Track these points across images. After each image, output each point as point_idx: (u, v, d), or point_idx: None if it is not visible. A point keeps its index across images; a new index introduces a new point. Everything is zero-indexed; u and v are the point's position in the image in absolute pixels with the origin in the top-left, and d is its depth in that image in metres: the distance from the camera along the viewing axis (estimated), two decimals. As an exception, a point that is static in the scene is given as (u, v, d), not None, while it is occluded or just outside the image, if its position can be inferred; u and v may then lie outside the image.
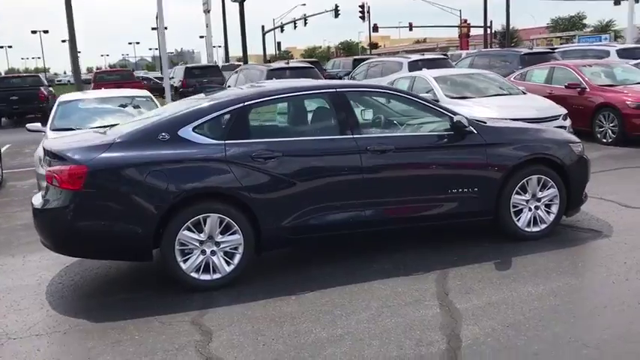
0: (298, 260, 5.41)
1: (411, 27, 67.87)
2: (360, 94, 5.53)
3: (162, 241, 4.74)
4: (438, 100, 9.90)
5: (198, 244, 4.83)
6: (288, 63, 17.42)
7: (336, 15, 48.54)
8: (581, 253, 5.42)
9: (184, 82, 24.83)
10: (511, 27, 78.21)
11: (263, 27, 62.74)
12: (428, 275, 4.98)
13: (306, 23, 55.87)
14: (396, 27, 72.05)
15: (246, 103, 5.11)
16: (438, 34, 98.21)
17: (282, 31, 59.82)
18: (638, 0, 53.54)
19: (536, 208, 5.72)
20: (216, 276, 4.90)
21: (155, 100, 9.55)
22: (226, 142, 4.94)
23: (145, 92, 10.10)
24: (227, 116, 5.04)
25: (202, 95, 5.74)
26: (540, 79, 12.86)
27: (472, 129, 5.47)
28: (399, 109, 5.75)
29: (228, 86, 16.52)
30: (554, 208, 5.78)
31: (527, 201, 5.68)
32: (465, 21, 68.32)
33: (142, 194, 4.70)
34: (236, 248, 4.93)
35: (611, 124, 11.01)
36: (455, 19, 67.65)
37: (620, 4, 52.78)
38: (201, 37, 73.51)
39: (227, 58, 50.34)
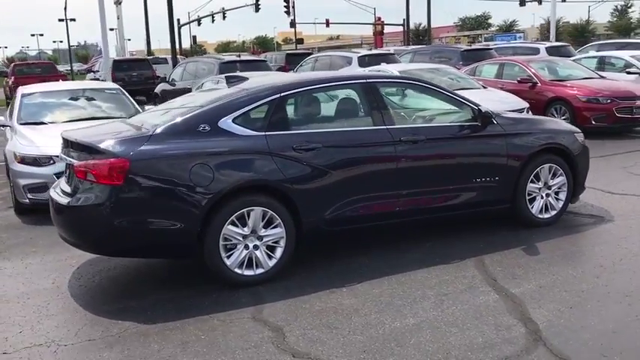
0: (328, 253, 5.35)
1: (327, 23, 68.47)
2: (389, 85, 5.54)
3: (206, 237, 4.55)
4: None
5: (241, 239, 4.69)
6: (239, 56, 17.13)
7: (257, 9, 48.13)
8: (595, 236, 5.69)
9: (113, 76, 23.79)
10: (423, 25, 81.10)
11: (179, 20, 61.37)
12: (465, 263, 5.08)
13: (224, 17, 55.10)
14: (313, 23, 72.47)
15: (283, 94, 4.99)
16: (352, 32, 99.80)
17: (199, 24, 58.63)
18: (541, 2, 56.88)
19: (547, 195, 5.97)
20: (259, 271, 4.77)
21: (125, 92, 9.12)
22: (267, 133, 4.82)
23: (113, 85, 9.63)
24: (265, 107, 4.91)
25: (224, 85, 5.56)
26: (490, 74, 13.38)
27: (494, 119, 5.63)
28: (421, 100, 5.81)
29: (173, 79, 16.04)
30: (562, 196, 6.06)
31: (539, 189, 5.91)
32: (379, 19, 69.74)
33: (186, 188, 4.50)
34: (277, 242, 4.82)
35: (562, 117, 11.63)
36: (369, 16, 68.78)
37: (525, 5, 55.85)
38: (112, 29, 70.90)
39: (149, 50, 48.79)
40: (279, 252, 4.82)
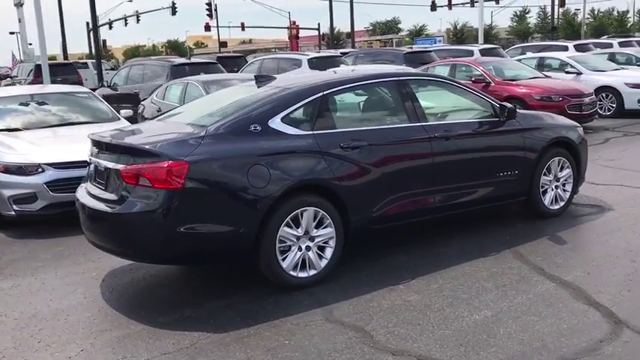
0: (366, 253, 5.31)
1: (243, 27, 68.10)
2: (419, 83, 5.58)
3: (263, 239, 4.42)
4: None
5: (295, 240, 4.59)
6: (189, 58, 16.65)
7: (174, 12, 47.01)
8: (606, 224, 5.95)
9: (36, 81, 22.51)
10: (337, 29, 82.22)
11: (88, 23, 58.84)
12: (503, 255, 5.20)
13: (138, 20, 53.50)
14: (228, 26, 71.56)
15: (326, 92, 4.93)
16: (265, 36, 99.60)
17: (110, 27, 56.58)
18: (451, 7, 58.93)
19: (556, 187, 6.24)
20: (312, 272, 4.69)
21: (97, 96, 8.67)
22: (314, 132, 4.74)
23: (84, 88, 9.14)
24: (311, 106, 4.83)
25: (251, 83, 5.42)
26: (444, 75, 13.76)
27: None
28: (444, 97, 5.89)
29: (115, 84, 15.40)
30: (569, 187, 6.34)
31: (550, 181, 6.16)
32: (294, 23, 70.06)
33: (244, 190, 4.35)
34: (327, 242, 4.75)
35: (517, 115, 12.16)
36: (284, 20, 68.97)
37: (436, 9, 57.93)
38: (12, 33, 66.95)
39: (65, 55, 46.46)
40: (328, 252, 4.76)
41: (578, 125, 6.62)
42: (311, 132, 4.72)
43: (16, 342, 4.04)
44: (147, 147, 4.29)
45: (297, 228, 4.57)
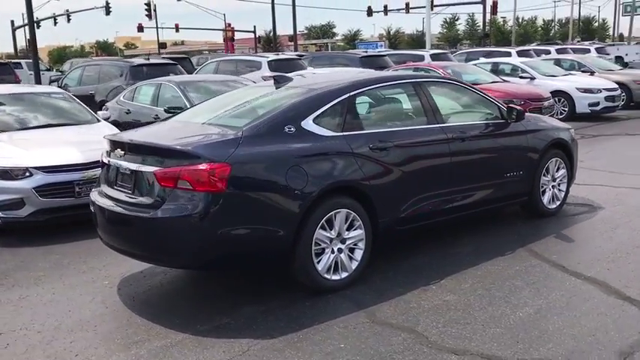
0: (386, 256, 5.30)
1: (177, 28, 66.97)
2: (435, 84, 5.63)
3: (300, 242, 4.34)
4: None
5: (329, 243, 4.53)
6: (148, 59, 16.14)
7: (108, 12, 45.63)
8: (603, 222, 6.16)
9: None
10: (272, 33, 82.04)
11: (13, 22, 56.43)
12: (519, 254, 5.31)
13: (69, 19, 51.63)
14: (161, 27, 70.01)
15: (352, 93, 4.90)
16: (198, 38, 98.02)
17: (38, 27, 54.25)
18: (387, 12, 59.82)
19: (553, 187, 6.45)
20: (344, 274, 4.64)
21: (73, 97, 8.29)
22: (344, 133, 4.71)
23: (58, 89, 8.72)
24: (339, 107, 4.79)
25: (265, 84, 5.32)
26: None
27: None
28: (455, 98, 5.97)
29: (67, 84, 14.77)
30: (563, 187, 6.57)
31: (548, 181, 6.36)
32: (230, 25, 69.45)
33: (283, 192, 4.27)
34: (356, 244, 4.72)
35: (481, 118, 12.50)
36: (218, 22, 68.08)
37: (372, 15, 58.85)
38: None
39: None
40: (358, 254, 4.73)
41: (570, 127, 6.87)
42: (341, 133, 4.68)
43: (49, 356, 3.80)
44: (186, 148, 4.13)
45: (331, 230, 4.52)
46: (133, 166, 4.36)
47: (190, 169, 4.01)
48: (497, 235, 5.88)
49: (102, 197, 4.68)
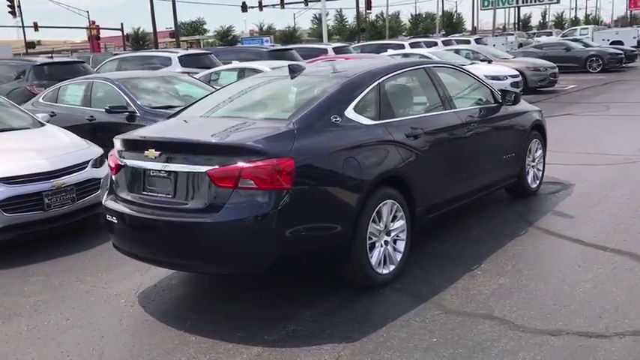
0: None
1: (36, 27, 62.31)
2: (439, 70, 5.55)
3: (356, 236, 4.12)
4: None
5: (378, 236, 4.35)
6: (52, 57, 14.68)
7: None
8: (586, 198, 6.42)
9: None
10: (141, 30, 78.82)
11: None
12: (533, 233, 5.45)
13: None
14: (17, 26, 64.46)
15: (381, 80, 4.72)
16: (58, 37, 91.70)
17: None
18: (262, 8, 59.50)
19: (533, 167, 6.68)
20: (391, 267, 4.48)
21: (8, 100, 7.36)
22: (382, 121, 4.54)
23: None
24: (372, 94, 4.60)
25: (279, 74, 5.00)
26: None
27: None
28: (456, 84, 5.95)
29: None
30: (541, 166, 6.83)
31: (530, 161, 6.58)
32: (94, 23, 65.81)
33: (342, 185, 4.04)
34: (398, 235, 4.58)
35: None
36: (82, 20, 64.09)
37: (247, 10, 58.35)
38: None
39: None
40: (401, 245, 4.59)
41: (540, 109, 7.15)
42: (379, 121, 4.51)
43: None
44: (246, 143, 3.74)
45: (379, 222, 4.34)
46: (173, 168, 3.90)
47: (254, 166, 3.64)
48: (498, 217, 5.98)
49: (124, 204, 4.16)
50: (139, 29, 77.21)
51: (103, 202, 4.40)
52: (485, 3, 62.29)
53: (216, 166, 3.71)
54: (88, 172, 6.08)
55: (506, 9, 65.55)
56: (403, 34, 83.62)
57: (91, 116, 8.71)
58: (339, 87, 4.47)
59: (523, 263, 4.74)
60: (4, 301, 4.60)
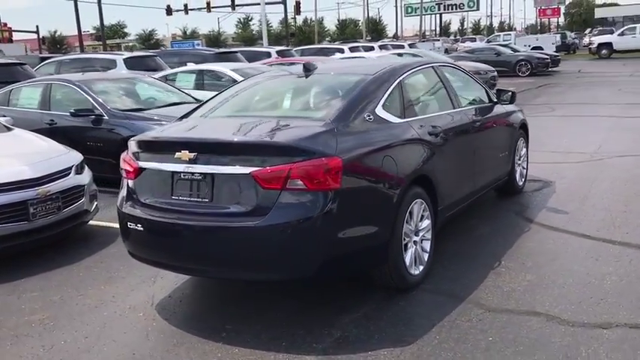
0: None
1: (-59, 29, 58.63)
2: (443, 69, 5.54)
3: (393, 238, 4.02)
4: None
5: (410, 236, 4.28)
6: None
7: None
8: (569, 193, 6.66)
9: None
10: (59, 33, 75.60)
11: None
12: (538, 230, 5.52)
13: None
14: None
15: (401, 77, 4.64)
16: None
17: None
18: (187, 12, 58.36)
19: (519, 165, 6.81)
20: (420, 268, 4.42)
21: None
22: (407, 119, 4.47)
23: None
24: (396, 91, 4.52)
25: (291, 71, 4.84)
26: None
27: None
28: (456, 83, 5.94)
29: None
30: (525, 164, 6.98)
31: (517, 160, 6.70)
32: (6, 24, 62.52)
33: (382, 185, 3.95)
34: (424, 235, 4.52)
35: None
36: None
37: (172, 14, 57.12)
38: None
39: None
40: (427, 245, 4.52)
41: (521, 109, 7.30)
42: (405, 119, 4.44)
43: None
44: (295, 143, 3.56)
45: (411, 222, 4.27)
46: (210, 170, 3.66)
47: (303, 165, 3.47)
48: (496, 215, 6.04)
49: (149, 210, 3.87)
50: (55, 32, 73.93)
51: (120, 208, 4.09)
52: (409, 10, 64.05)
53: (262, 167, 3.51)
54: (72, 179, 5.67)
55: (427, 16, 67.30)
56: (327, 39, 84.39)
57: (52, 120, 8.19)
58: (366, 84, 4.36)
59: (541, 259, 4.78)
60: (4, 321, 4.19)
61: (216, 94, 4.97)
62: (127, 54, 14.95)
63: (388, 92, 4.41)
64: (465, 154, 5.20)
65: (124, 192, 4.15)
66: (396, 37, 71.19)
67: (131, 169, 4.06)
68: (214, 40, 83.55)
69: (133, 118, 7.68)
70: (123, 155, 4.23)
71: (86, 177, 5.92)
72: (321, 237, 3.55)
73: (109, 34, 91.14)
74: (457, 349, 3.48)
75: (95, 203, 6.04)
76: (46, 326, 4.07)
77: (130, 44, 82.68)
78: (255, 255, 3.58)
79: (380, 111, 4.22)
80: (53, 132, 7.97)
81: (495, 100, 6.07)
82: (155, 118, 7.57)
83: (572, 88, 19.71)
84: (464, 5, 60.94)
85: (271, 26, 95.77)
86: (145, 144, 4.01)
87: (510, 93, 6.08)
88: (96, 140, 7.75)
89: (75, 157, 5.99)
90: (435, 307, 4.03)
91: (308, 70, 4.77)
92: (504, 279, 4.44)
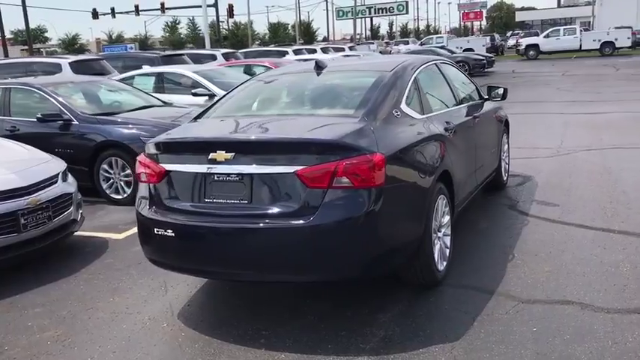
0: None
1: None
2: (443, 66, 5.57)
3: (425, 234, 4.00)
4: (213, 95, 9.73)
5: (436, 232, 4.27)
6: None
7: None
8: (551, 186, 6.85)
9: None
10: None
11: None
12: (537, 222, 5.64)
13: None
14: None
15: (415, 73, 4.63)
16: None
17: None
18: (114, 15, 56.63)
19: (502, 160, 6.94)
20: (444, 263, 4.42)
21: None
22: (426, 115, 4.47)
23: None
24: (413, 87, 4.50)
25: (302, 68, 4.74)
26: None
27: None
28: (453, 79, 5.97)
29: None
30: (507, 160, 7.15)
31: (502, 155, 6.84)
32: None
33: (416, 181, 3.92)
34: (445, 231, 4.52)
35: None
36: None
37: (98, 17, 55.37)
38: None
39: None
40: (447, 240, 4.53)
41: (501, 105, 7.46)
42: (424, 115, 4.43)
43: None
44: (341, 140, 3.47)
45: (437, 218, 4.26)
46: (249, 170, 3.51)
47: (350, 162, 3.39)
48: (491, 209, 6.14)
49: (179, 215, 3.69)
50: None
51: (143, 214, 3.87)
52: (341, 13, 64.74)
53: (306, 166, 3.41)
54: (60, 187, 5.35)
55: (357, 19, 68.11)
56: (257, 42, 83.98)
57: (13, 127, 7.72)
58: (388, 80, 4.31)
59: (551, 250, 4.88)
60: (15, 341, 3.89)
61: (226, 94, 4.81)
62: (73, 57, 14.30)
63: (408, 88, 4.39)
64: (469, 149, 5.25)
65: (144, 197, 3.93)
66: (327, 40, 71.71)
67: (153, 172, 3.85)
68: (142, 44, 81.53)
69: (106, 122, 7.34)
70: (139, 158, 4.01)
71: (72, 185, 5.60)
72: (369, 235, 3.48)
73: (30, 39, 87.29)
74: (506, 341, 3.49)
75: (80, 212, 5.73)
76: (64, 343, 3.81)
77: (51, 49, 79.47)
78: (301, 256, 3.47)
79: (404, 107, 4.19)
80: (15, 139, 7.51)
81: (486, 96, 6.16)
82: (131, 122, 7.27)
83: (514, 87, 20.32)
84: (393, 9, 62.29)
85: (199, 29, 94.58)
86: (168, 145, 3.82)
87: (502, 89, 6.19)
88: (65, 147, 7.35)
89: (59, 164, 5.66)
90: (467, 302, 4.03)
91: (320, 67, 4.69)
92: (524, 270, 4.50)
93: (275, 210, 3.48)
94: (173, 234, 3.66)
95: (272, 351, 3.54)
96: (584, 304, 3.89)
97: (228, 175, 3.57)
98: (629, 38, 36.28)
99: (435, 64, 5.33)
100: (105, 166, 7.26)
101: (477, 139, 5.52)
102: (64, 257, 5.41)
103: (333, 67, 4.77)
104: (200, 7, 55.13)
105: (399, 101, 4.16)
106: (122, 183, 7.22)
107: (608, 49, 35.96)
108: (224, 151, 3.53)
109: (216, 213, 3.60)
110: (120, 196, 7.24)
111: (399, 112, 4.08)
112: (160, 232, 3.72)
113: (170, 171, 3.78)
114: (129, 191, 7.16)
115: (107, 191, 7.30)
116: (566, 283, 4.22)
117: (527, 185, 7.02)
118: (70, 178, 5.70)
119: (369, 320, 3.83)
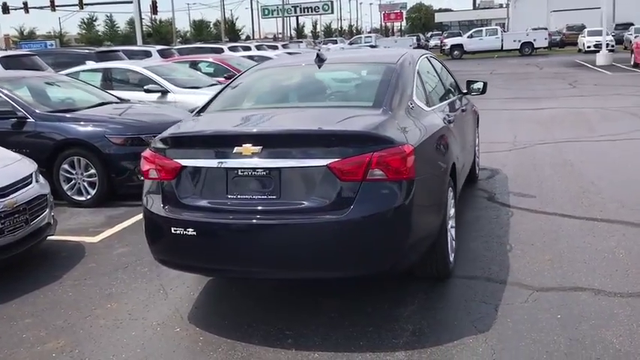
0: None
1: None
2: (432, 60, 5.57)
3: (443, 224, 3.99)
4: (167, 91, 9.45)
5: (449, 224, 4.27)
6: None
7: None
8: (522, 177, 7.04)
9: None
10: None
11: None
12: (518, 213, 5.75)
13: None
14: None
15: (417, 65, 4.61)
16: None
17: None
18: (27, 10, 53.91)
19: (476, 154, 7.07)
20: (452, 255, 4.42)
21: None
22: (432, 107, 4.46)
23: None
24: (418, 80, 4.48)
25: (301, 61, 4.62)
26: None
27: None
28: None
29: None
30: (478, 153, 7.27)
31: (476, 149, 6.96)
32: None
33: (437, 173, 3.91)
34: (452, 223, 4.53)
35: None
36: None
37: (9, 12, 52.67)
38: None
39: None
40: (454, 232, 4.54)
41: (469, 101, 7.59)
42: (431, 107, 4.43)
43: None
44: (374, 132, 3.39)
45: (449, 209, 4.26)
46: (277, 164, 3.36)
47: (383, 154, 3.31)
48: (471, 201, 6.21)
49: (200, 213, 3.49)
50: None
51: (156, 213, 3.63)
52: (266, 12, 64.34)
53: (339, 158, 3.30)
54: (35, 188, 4.98)
55: (280, 18, 67.95)
56: (179, 40, 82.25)
57: (-37, 125, 7.13)
58: (397, 72, 4.26)
59: (545, 239, 5.00)
60: (15, 354, 3.58)
61: (224, 87, 4.61)
62: (2, 52, 13.45)
63: (414, 80, 4.36)
64: (462, 142, 5.29)
65: (155, 194, 3.69)
66: (251, 38, 71.15)
67: (166, 169, 3.62)
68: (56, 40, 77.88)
69: (65, 120, 6.92)
70: (145, 154, 3.78)
71: (46, 185, 5.23)
72: (403, 228, 3.42)
73: None
74: (536, 329, 3.52)
75: (53, 214, 5.36)
76: (71, 354, 3.53)
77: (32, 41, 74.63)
78: (335, 251, 3.36)
79: (415, 99, 4.17)
80: (-39, 139, 6.96)
81: (465, 90, 6.24)
82: (94, 119, 6.89)
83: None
84: (319, 8, 62.39)
85: (118, 27, 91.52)
86: (184, 140, 3.62)
87: (482, 83, 6.27)
88: (20, 146, 6.80)
89: (30, 164, 5.28)
90: (483, 292, 4.05)
91: (322, 60, 4.58)
92: (526, 260, 4.57)
93: (307, 204, 3.36)
94: (194, 232, 3.46)
95: (303, 351, 3.41)
96: (596, 289, 3.99)
97: (254, 169, 3.41)
98: (545, 39, 38.10)
99: (427, 57, 5.34)
100: (66, 166, 6.83)
101: (465, 131, 5.57)
102: (40, 263, 5.05)
103: (335, 59, 4.68)
104: (120, 3, 53.90)
105: (411, 93, 4.13)
106: (85, 184, 6.82)
107: (527, 49, 37.60)
108: (250, 145, 3.37)
109: (241, 210, 3.43)
110: (83, 198, 6.84)
111: (412, 104, 4.04)
112: (177, 232, 3.51)
113: (186, 166, 3.57)
114: (93, 192, 6.78)
115: (68, 193, 6.87)
116: (571, 271, 4.32)
117: (498, 178, 7.18)
118: (42, 178, 5.32)
119: (393, 315, 3.77)
